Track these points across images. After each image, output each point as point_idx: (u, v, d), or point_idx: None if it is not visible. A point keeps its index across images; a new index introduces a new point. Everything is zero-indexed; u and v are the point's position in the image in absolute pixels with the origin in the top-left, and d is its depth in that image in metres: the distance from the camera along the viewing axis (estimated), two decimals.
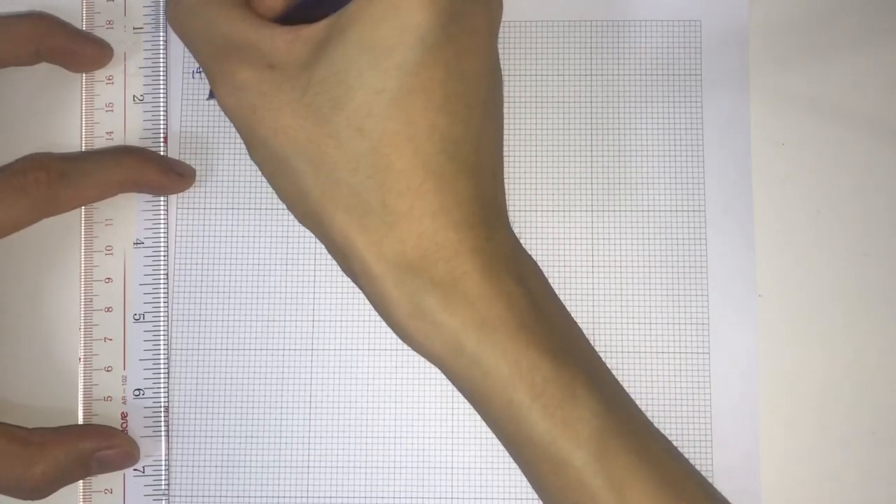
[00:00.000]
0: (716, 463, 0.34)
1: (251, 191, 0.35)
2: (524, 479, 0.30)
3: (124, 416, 0.34)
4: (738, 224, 0.35)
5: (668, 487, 0.29)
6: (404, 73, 0.28)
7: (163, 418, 0.34)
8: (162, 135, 0.36)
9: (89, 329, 0.35)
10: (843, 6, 0.35)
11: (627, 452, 0.29)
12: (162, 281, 0.35)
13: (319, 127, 0.29)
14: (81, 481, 0.34)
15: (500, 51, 0.36)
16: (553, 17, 0.36)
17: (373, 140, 0.28)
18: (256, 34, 0.30)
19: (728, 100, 0.35)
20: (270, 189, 0.35)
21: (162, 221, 0.35)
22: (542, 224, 0.35)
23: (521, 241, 0.35)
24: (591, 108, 0.36)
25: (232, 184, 0.36)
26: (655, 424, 0.34)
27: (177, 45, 0.37)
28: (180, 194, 0.36)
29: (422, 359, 0.30)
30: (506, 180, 0.35)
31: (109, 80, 0.36)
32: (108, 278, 0.35)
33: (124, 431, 0.34)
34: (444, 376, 0.30)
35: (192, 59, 0.36)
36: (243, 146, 0.36)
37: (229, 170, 0.36)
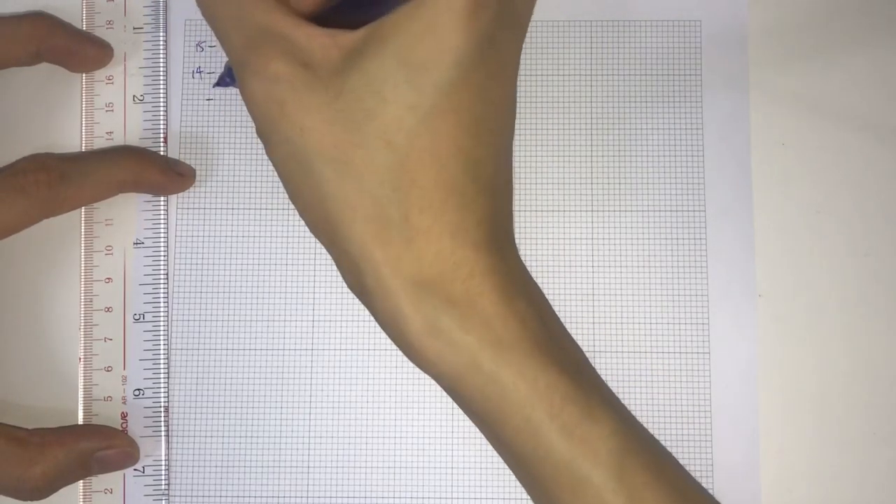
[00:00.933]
0: (716, 463, 0.34)
1: (251, 191, 0.35)
2: None
3: (124, 416, 0.34)
4: (738, 224, 0.35)
5: None
6: (439, 92, 0.28)
7: (163, 418, 0.34)
8: (162, 135, 0.36)
9: (89, 329, 0.35)
10: (843, 6, 0.35)
11: (645, 470, 0.29)
12: (162, 281, 0.35)
13: (348, 134, 0.29)
14: (81, 481, 0.34)
15: None
16: (553, 17, 0.36)
17: (400, 154, 0.28)
18: (294, 30, 0.29)
19: (728, 100, 0.35)
20: (270, 189, 0.35)
21: (162, 221, 0.35)
22: (542, 224, 0.35)
23: (522, 240, 0.35)
24: (591, 108, 0.36)
25: (232, 184, 0.36)
26: (655, 424, 0.34)
27: (177, 46, 0.37)
28: (180, 194, 0.36)
29: None
30: None
31: (109, 80, 0.36)
32: (108, 278, 0.35)
33: (124, 431, 0.34)
34: None
35: (192, 60, 0.36)
36: (243, 147, 0.36)
37: (229, 170, 0.36)
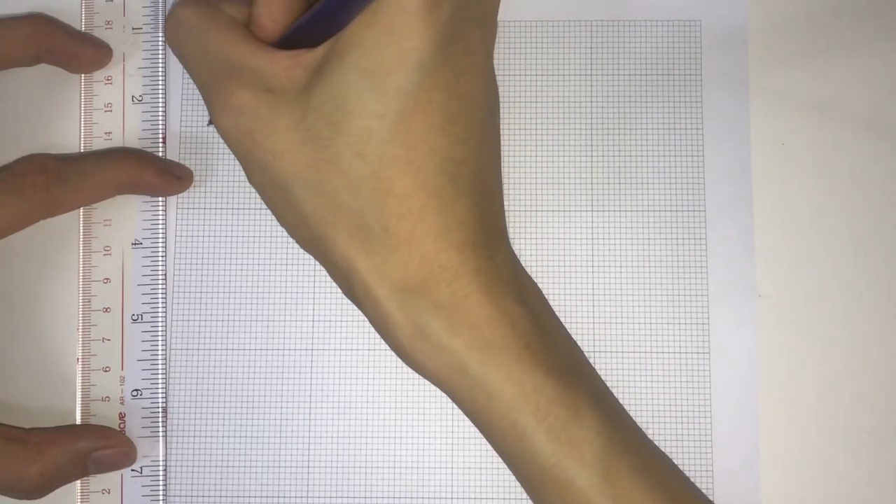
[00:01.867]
0: (716, 463, 0.34)
1: (250, 191, 0.35)
2: None
3: (122, 416, 0.34)
4: (738, 224, 0.35)
5: None
6: (404, 97, 0.28)
7: (160, 419, 0.34)
8: (160, 135, 0.36)
9: (87, 329, 0.35)
10: (843, 6, 0.35)
11: (631, 471, 0.29)
12: (160, 281, 0.35)
13: (319, 152, 0.29)
14: (79, 482, 0.34)
15: (501, 50, 0.36)
16: (553, 17, 0.36)
17: (373, 164, 0.28)
18: (255, 58, 0.30)
19: (728, 100, 0.35)
20: None
21: (160, 222, 0.35)
22: (542, 224, 0.35)
23: (521, 240, 0.35)
24: (591, 108, 0.36)
25: (231, 184, 0.36)
26: (655, 425, 0.34)
27: None
28: (180, 195, 0.36)
29: None
30: (506, 180, 0.35)
31: (108, 80, 0.36)
32: (107, 279, 0.35)
33: (122, 432, 0.34)
34: None
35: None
36: None
37: (228, 170, 0.36)
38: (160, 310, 0.35)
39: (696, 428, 0.34)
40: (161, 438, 0.34)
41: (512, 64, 0.36)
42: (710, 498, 0.33)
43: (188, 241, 0.35)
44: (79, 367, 0.35)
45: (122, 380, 0.34)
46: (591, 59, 0.36)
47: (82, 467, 0.33)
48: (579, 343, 0.34)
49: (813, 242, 0.35)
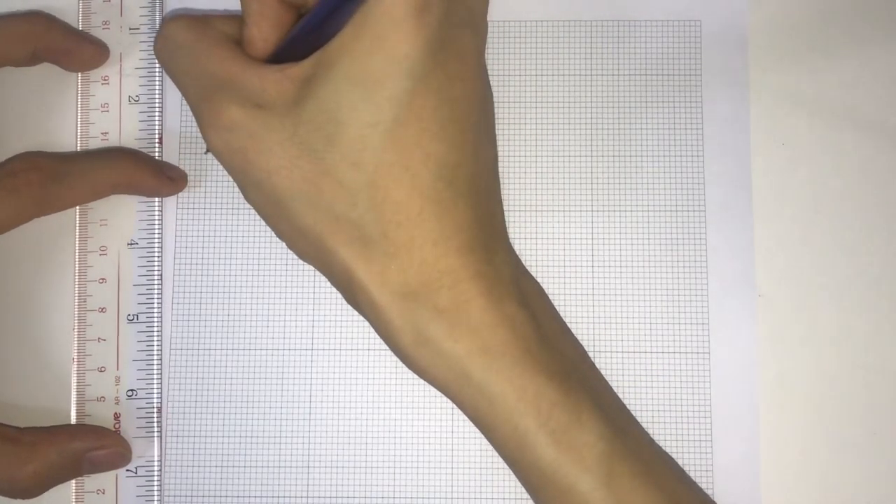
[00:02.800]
0: (716, 463, 0.34)
1: None
2: None
3: (117, 416, 0.34)
4: (738, 224, 0.35)
5: None
6: (397, 105, 0.28)
7: (155, 419, 0.34)
8: (157, 135, 0.36)
9: (83, 329, 0.35)
10: (844, 6, 0.36)
11: (633, 476, 0.29)
12: (156, 282, 0.35)
13: (314, 164, 0.29)
14: (74, 482, 0.34)
15: (501, 50, 0.36)
16: (553, 17, 0.36)
17: (369, 173, 0.28)
18: (244, 73, 0.30)
19: (728, 100, 0.35)
20: None
21: (156, 222, 0.35)
22: (542, 224, 0.35)
23: (521, 240, 0.35)
24: (591, 108, 0.36)
25: (228, 184, 0.36)
26: (655, 424, 0.34)
27: None
28: (179, 195, 0.36)
29: None
30: (506, 180, 0.35)
31: (105, 80, 0.36)
32: (103, 279, 0.35)
33: (117, 432, 0.34)
34: None
35: None
36: None
37: (224, 170, 0.36)
38: (156, 310, 0.35)
39: (696, 428, 0.34)
40: (156, 439, 0.34)
41: (512, 64, 0.36)
42: (711, 498, 0.33)
43: (188, 241, 0.35)
44: (74, 367, 0.34)
45: (118, 380, 0.34)
46: (591, 59, 0.36)
47: (77, 467, 0.33)
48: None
49: (813, 242, 0.35)
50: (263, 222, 0.35)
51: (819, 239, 0.35)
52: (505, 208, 0.35)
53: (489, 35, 0.36)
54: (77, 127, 0.36)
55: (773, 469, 0.34)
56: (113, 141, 0.36)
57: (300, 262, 0.35)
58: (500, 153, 0.35)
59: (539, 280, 0.34)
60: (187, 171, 0.36)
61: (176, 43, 0.31)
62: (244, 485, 0.34)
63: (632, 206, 0.35)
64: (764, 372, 0.34)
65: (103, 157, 0.35)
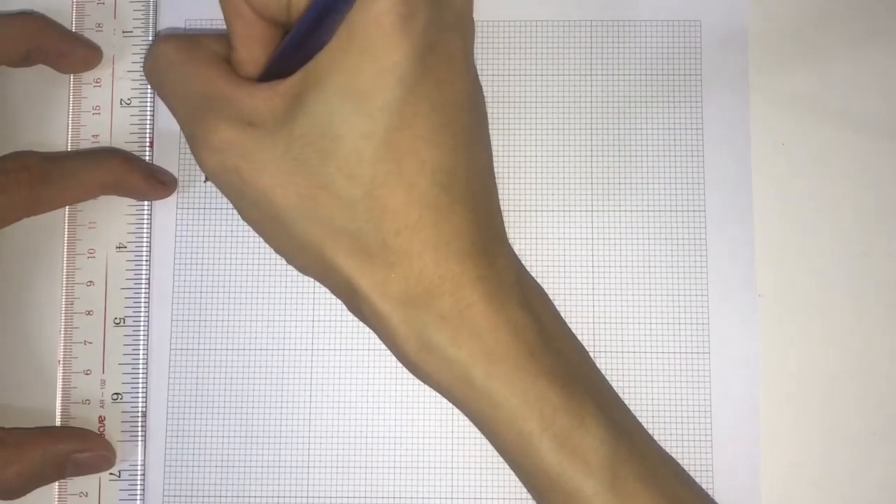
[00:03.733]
0: (716, 463, 0.34)
1: None
2: None
3: (102, 419, 0.34)
4: (738, 224, 0.35)
5: None
6: (389, 114, 0.28)
7: (140, 423, 0.34)
8: (148, 139, 0.36)
9: (69, 332, 0.35)
10: (844, 6, 0.35)
11: (636, 480, 0.29)
12: (143, 285, 0.35)
13: (309, 179, 0.29)
14: (57, 484, 0.34)
15: (501, 50, 0.36)
16: (553, 17, 0.36)
17: (365, 184, 0.28)
18: (235, 92, 0.29)
19: (728, 100, 0.35)
20: None
21: (145, 226, 0.35)
22: (542, 224, 0.35)
23: (522, 241, 0.35)
24: (591, 108, 0.36)
25: None
26: (655, 424, 0.34)
27: None
28: (179, 195, 0.36)
29: None
30: (506, 180, 0.35)
31: (97, 82, 0.36)
32: (90, 282, 0.35)
33: (101, 435, 0.34)
34: None
35: None
36: None
37: None
38: (143, 314, 0.35)
39: (696, 428, 0.34)
40: (140, 442, 0.34)
41: (512, 64, 0.36)
42: (714, 500, 0.33)
43: (187, 241, 0.35)
44: (60, 369, 0.34)
45: (103, 383, 0.34)
46: (591, 59, 0.36)
47: (61, 469, 0.33)
48: None
49: (813, 242, 0.35)
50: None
51: (819, 239, 0.35)
52: (505, 208, 0.35)
53: (489, 35, 0.36)
54: (68, 129, 0.36)
55: (773, 469, 0.34)
56: (104, 143, 0.36)
57: None
58: (500, 153, 0.35)
59: (539, 280, 0.34)
60: (185, 172, 0.36)
61: (166, 63, 0.31)
62: (244, 485, 0.34)
63: (632, 206, 0.35)
64: (764, 372, 0.34)
65: (93, 157, 0.34)
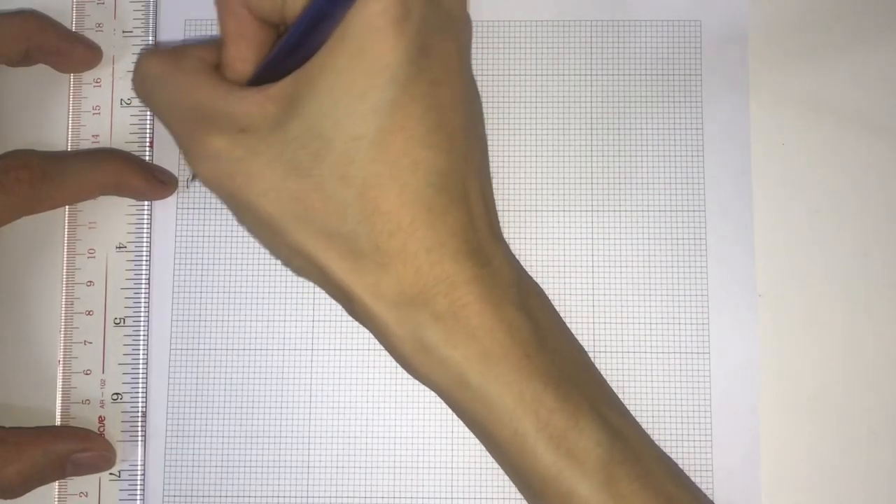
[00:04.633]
0: (716, 463, 0.34)
1: None
2: None
3: (102, 419, 0.34)
4: (738, 224, 0.35)
5: None
6: (381, 115, 0.28)
7: (140, 423, 0.34)
8: (148, 139, 0.36)
9: (69, 332, 0.35)
10: (843, 6, 0.35)
11: (631, 480, 0.29)
12: (143, 285, 0.35)
13: (302, 183, 0.29)
14: (57, 484, 0.34)
15: (501, 50, 0.36)
16: (553, 17, 0.36)
17: (357, 186, 0.28)
18: (225, 99, 0.29)
19: (728, 100, 0.35)
20: None
21: (145, 226, 0.35)
22: (542, 224, 0.35)
23: (521, 240, 0.35)
24: (591, 108, 0.36)
25: None
26: (655, 424, 0.34)
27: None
28: (180, 195, 0.36)
29: None
30: (506, 180, 0.35)
31: (97, 82, 0.36)
32: (90, 281, 0.35)
33: (101, 435, 0.34)
34: None
35: None
36: None
37: None
38: (143, 314, 0.35)
39: (696, 428, 0.34)
40: (140, 442, 0.34)
41: (512, 64, 0.36)
42: (711, 498, 0.33)
43: (188, 241, 0.35)
44: (60, 369, 0.34)
45: (103, 383, 0.34)
46: (591, 59, 0.36)
47: (61, 469, 0.33)
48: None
49: (813, 242, 0.35)
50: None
51: (819, 239, 0.35)
52: (505, 208, 0.35)
53: (489, 35, 0.36)
54: (68, 129, 0.36)
55: (773, 469, 0.34)
56: (104, 143, 0.36)
57: None
58: (500, 153, 0.35)
59: (539, 280, 0.34)
60: (185, 172, 0.36)
61: (153, 77, 0.31)
62: (244, 485, 0.34)
63: (632, 206, 0.35)
64: (764, 372, 0.34)
65: (93, 156, 0.34)
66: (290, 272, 0.35)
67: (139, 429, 0.34)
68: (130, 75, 0.36)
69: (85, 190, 0.34)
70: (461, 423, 0.34)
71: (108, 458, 0.34)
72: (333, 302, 0.34)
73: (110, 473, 0.34)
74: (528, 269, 0.34)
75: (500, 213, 0.35)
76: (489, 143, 0.35)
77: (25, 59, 0.34)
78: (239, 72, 0.31)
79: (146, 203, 0.35)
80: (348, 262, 0.29)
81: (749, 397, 0.34)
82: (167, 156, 0.36)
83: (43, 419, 0.34)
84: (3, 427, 0.33)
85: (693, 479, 0.33)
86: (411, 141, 0.28)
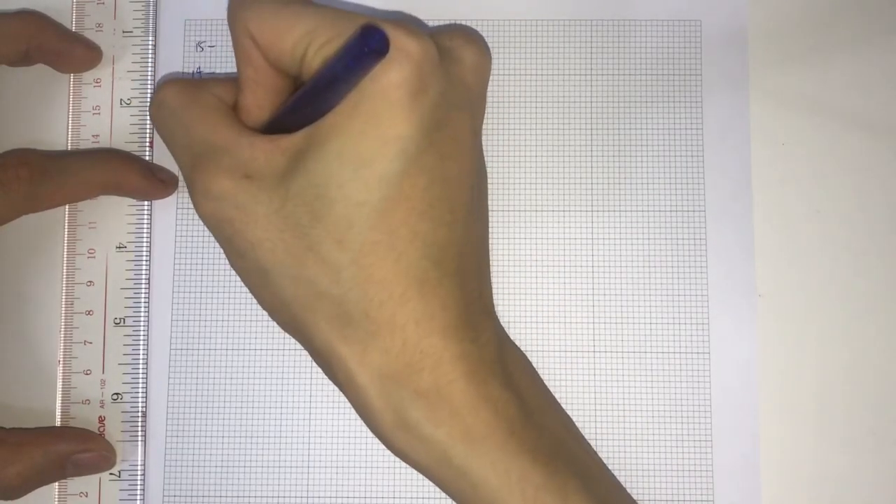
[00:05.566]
0: (716, 463, 0.34)
1: None
2: None
3: (102, 419, 0.34)
4: (738, 224, 0.35)
5: None
6: (387, 185, 0.28)
7: (140, 423, 0.34)
8: (148, 139, 0.36)
9: (69, 332, 0.35)
10: (843, 6, 0.35)
11: None
12: (143, 285, 0.35)
13: (298, 239, 0.28)
14: (57, 485, 0.34)
15: (501, 50, 0.36)
16: (553, 17, 0.36)
17: (353, 252, 0.28)
18: (236, 141, 0.29)
19: (728, 100, 0.35)
20: None
21: (145, 226, 0.35)
22: (542, 224, 0.35)
23: (521, 241, 0.35)
24: (591, 108, 0.36)
25: None
26: (655, 425, 0.34)
27: (165, 50, 0.36)
28: (180, 196, 0.36)
29: None
30: (506, 180, 0.35)
31: (97, 82, 0.36)
32: (90, 281, 0.35)
33: (102, 435, 0.34)
34: None
35: (192, 60, 0.36)
36: None
37: None
38: (143, 314, 0.35)
39: (696, 428, 0.34)
40: (140, 443, 0.34)
41: (512, 64, 0.36)
42: (711, 498, 0.33)
43: (188, 241, 0.35)
44: (60, 369, 0.34)
45: (103, 383, 0.34)
46: (591, 59, 0.36)
47: (61, 469, 0.33)
48: (579, 344, 0.34)
49: (813, 242, 0.35)
50: None
51: (819, 239, 0.35)
52: (505, 208, 0.35)
53: (490, 35, 0.36)
54: (68, 129, 0.36)
55: (773, 469, 0.34)
56: (104, 143, 0.36)
57: None
58: (500, 153, 0.35)
59: (539, 281, 0.34)
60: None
61: (170, 107, 0.31)
62: (244, 485, 0.34)
63: (632, 206, 0.35)
64: (764, 372, 0.34)
65: (93, 156, 0.34)
66: None
67: (139, 429, 0.34)
68: (131, 75, 0.36)
69: (85, 188, 0.34)
70: None
71: (109, 459, 0.34)
72: None
73: (110, 473, 0.34)
74: (528, 269, 0.34)
75: (500, 213, 0.35)
76: (490, 143, 0.35)
77: (25, 59, 0.34)
78: (254, 117, 0.31)
79: (146, 203, 0.35)
80: (336, 326, 0.29)
81: (749, 397, 0.34)
82: (167, 155, 0.36)
83: (43, 419, 0.34)
84: (3, 428, 0.33)
85: (693, 479, 0.33)
86: (413, 212, 0.28)
